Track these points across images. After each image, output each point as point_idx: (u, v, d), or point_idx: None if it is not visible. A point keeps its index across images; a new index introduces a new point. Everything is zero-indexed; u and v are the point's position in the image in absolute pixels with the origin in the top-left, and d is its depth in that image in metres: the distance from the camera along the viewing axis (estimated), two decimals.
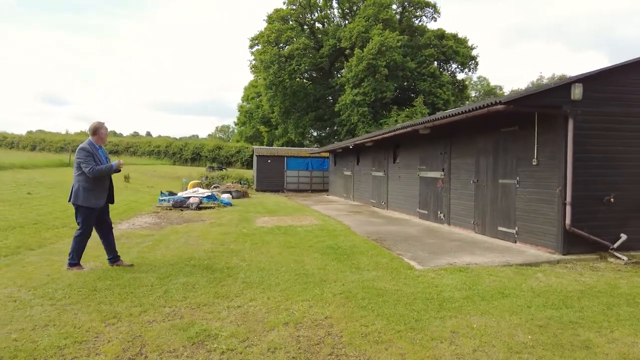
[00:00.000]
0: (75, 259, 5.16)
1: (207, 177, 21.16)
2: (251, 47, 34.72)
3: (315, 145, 37.38)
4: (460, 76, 34.46)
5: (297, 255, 6.40)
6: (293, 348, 3.18)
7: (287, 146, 37.43)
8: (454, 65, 33.20)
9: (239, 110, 60.74)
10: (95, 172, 5.06)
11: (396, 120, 23.77)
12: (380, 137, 11.74)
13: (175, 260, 5.88)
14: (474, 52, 30.93)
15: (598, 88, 6.47)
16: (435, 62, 30.49)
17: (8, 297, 4.06)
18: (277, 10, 32.19)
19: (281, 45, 31.65)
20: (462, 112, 6.95)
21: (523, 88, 44.45)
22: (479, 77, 50.47)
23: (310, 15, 31.69)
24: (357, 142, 13.79)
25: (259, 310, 3.97)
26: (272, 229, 9.08)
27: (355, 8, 31.89)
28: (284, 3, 31.29)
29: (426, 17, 30.63)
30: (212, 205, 13.41)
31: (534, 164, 6.96)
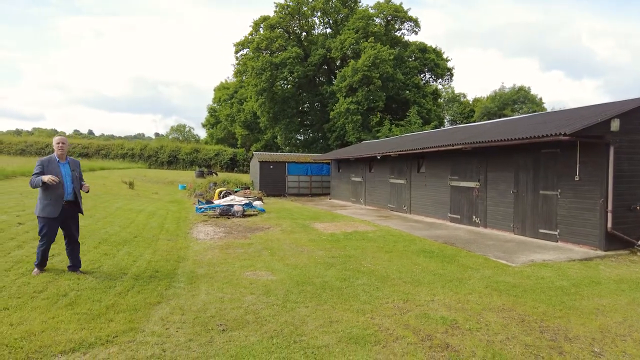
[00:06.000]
0: (36, 261, 5.70)
1: (215, 184, 21.64)
2: (236, 52, 35.19)
3: (288, 148, 38.36)
4: (432, 85, 37.22)
5: (406, 259, 7.72)
6: (514, 323, 4.55)
7: (264, 150, 38.20)
8: (427, 75, 35.86)
9: (209, 112, 60.22)
10: (30, 184, 5.50)
11: (390, 129, 25.62)
12: (419, 151, 13.29)
13: (322, 266, 6.98)
14: (449, 64, 33.73)
15: (626, 121, 8.42)
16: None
17: (262, 302, 5.06)
18: (264, 18, 32.92)
19: (268, 52, 32.44)
20: (526, 137, 8.65)
21: (485, 97, 48.34)
22: (443, 85, 53.91)
23: (299, 23, 32.77)
24: (384, 154, 15.26)
25: (449, 302, 5.28)
26: (344, 235, 10.29)
27: (340, 17, 33.41)
28: (274, 11, 32.14)
29: (407, 30, 32.96)
30: (254, 212, 14.27)
31: (576, 179, 8.82)
